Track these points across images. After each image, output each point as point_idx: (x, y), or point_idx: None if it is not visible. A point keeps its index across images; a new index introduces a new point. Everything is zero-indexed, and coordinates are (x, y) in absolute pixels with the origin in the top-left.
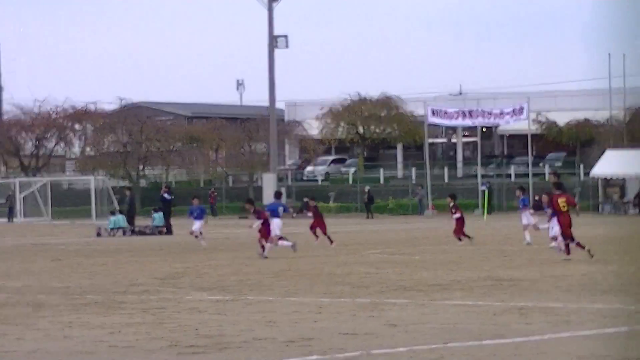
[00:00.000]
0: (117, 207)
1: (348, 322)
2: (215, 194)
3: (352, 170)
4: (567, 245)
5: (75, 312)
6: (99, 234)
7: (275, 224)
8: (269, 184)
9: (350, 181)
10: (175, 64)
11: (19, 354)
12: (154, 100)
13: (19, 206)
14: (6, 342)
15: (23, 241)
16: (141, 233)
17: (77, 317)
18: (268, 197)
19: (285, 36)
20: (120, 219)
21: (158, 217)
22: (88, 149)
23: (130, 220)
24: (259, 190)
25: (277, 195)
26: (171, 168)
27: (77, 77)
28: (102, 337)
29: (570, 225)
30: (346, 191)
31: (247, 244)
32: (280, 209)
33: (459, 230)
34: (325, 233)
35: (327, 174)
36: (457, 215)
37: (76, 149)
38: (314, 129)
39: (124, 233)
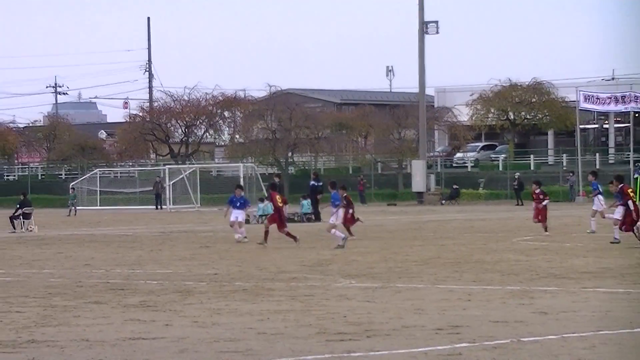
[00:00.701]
0: (266, 194)
1: (497, 309)
2: (364, 181)
3: (502, 156)
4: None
5: (223, 299)
6: (247, 221)
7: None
8: (418, 170)
9: (500, 168)
10: (325, 51)
11: (167, 341)
12: (303, 87)
13: (168, 193)
14: (154, 328)
15: (171, 228)
16: (289, 220)
17: (226, 304)
18: (417, 185)
19: (436, 22)
20: (269, 206)
21: (306, 204)
22: (237, 136)
23: None
24: (407, 177)
25: (333, 185)
26: (320, 155)
27: (226, 65)
28: (251, 324)
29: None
30: (496, 178)
31: (396, 232)
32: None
33: (544, 217)
34: (348, 223)
35: (476, 160)
36: (547, 201)
37: (225, 136)
38: (463, 115)
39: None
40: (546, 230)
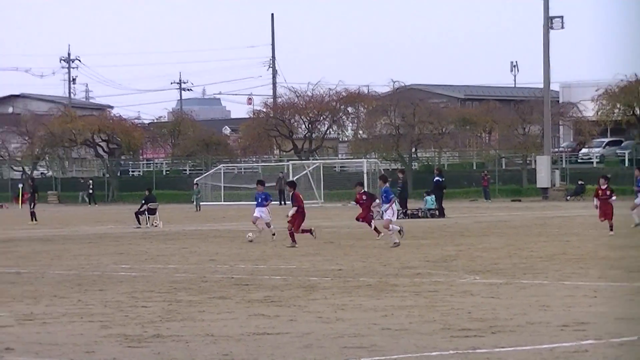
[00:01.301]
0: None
1: (624, 306)
2: (488, 176)
3: (627, 152)
4: None
5: (347, 294)
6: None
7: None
8: (542, 166)
9: (626, 164)
10: (449, 46)
11: (291, 336)
12: (426, 83)
13: None
14: (279, 323)
15: None
16: (413, 216)
17: (350, 300)
18: (541, 180)
19: (561, 17)
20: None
21: (430, 199)
22: (360, 131)
23: (403, 203)
24: (532, 173)
25: (384, 178)
26: (443, 151)
27: (349, 60)
28: (375, 319)
29: None
30: (621, 174)
31: (520, 228)
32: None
33: (610, 215)
34: (365, 220)
35: (602, 156)
36: (614, 198)
37: (349, 132)
38: (589, 110)
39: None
40: (612, 229)
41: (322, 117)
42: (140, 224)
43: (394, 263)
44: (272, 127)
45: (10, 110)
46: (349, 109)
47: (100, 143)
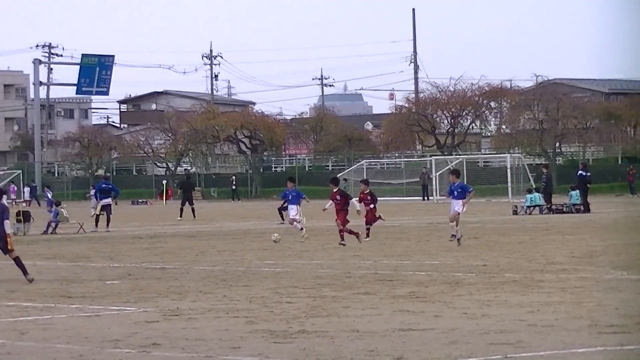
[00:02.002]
0: (534, 185)
1: None
2: (634, 171)
3: None
4: None
5: (493, 290)
6: (515, 212)
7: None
8: None
9: None
10: (591, 40)
11: (437, 332)
12: (570, 77)
13: (434, 184)
14: (424, 319)
15: (439, 219)
16: (558, 211)
17: (495, 296)
18: None
19: None
20: (537, 197)
21: (575, 194)
22: (503, 126)
23: (547, 198)
24: None
25: (457, 173)
26: (588, 145)
27: (492, 55)
28: (521, 315)
29: None
30: None
31: None
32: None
33: None
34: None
35: None
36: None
37: (492, 127)
38: None
39: (541, 211)
40: None
41: (464, 112)
42: (283, 219)
43: (539, 259)
44: (415, 122)
45: (154, 107)
46: (492, 104)
47: (242, 139)
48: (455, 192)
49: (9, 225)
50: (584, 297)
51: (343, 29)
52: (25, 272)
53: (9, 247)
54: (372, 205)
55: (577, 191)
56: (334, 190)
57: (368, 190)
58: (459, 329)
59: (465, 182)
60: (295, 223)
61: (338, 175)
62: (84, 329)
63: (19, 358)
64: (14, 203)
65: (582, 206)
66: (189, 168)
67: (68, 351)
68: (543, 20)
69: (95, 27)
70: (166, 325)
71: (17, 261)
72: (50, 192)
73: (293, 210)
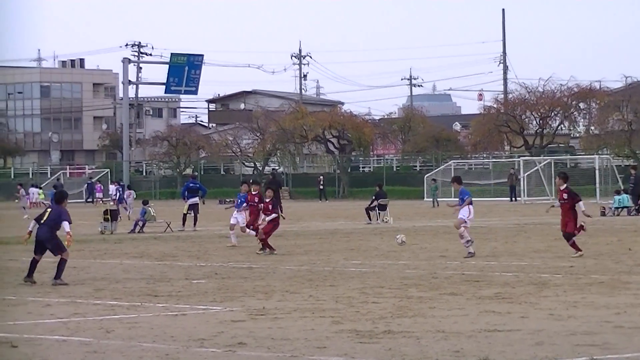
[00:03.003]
0: (622, 186)
1: None
2: None
3: None
4: None
5: (579, 292)
6: (603, 213)
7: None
8: None
9: None
10: None
11: (523, 333)
12: None
13: (522, 185)
14: (510, 320)
15: (526, 220)
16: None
17: (582, 297)
18: None
19: None
20: (625, 198)
21: None
22: (592, 127)
23: (636, 200)
24: None
25: (459, 180)
26: None
27: (582, 55)
28: (608, 317)
29: None
30: None
31: None
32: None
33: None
34: (252, 226)
35: None
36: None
37: (580, 128)
38: None
39: (629, 212)
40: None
41: (553, 113)
42: (370, 219)
43: (626, 260)
44: (503, 123)
45: (242, 106)
46: (581, 105)
47: (331, 139)
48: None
49: (68, 226)
50: None
51: (432, 29)
52: (58, 276)
53: (67, 244)
54: (270, 216)
55: None
56: (254, 191)
57: (258, 191)
58: (545, 330)
59: (553, 184)
60: (230, 231)
61: (426, 176)
62: (169, 327)
63: (104, 356)
64: (101, 202)
65: None
66: (277, 167)
67: (154, 350)
68: (633, 21)
69: (185, 26)
70: (252, 324)
71: (62, 262)
72: (114, 188)
73: (241, 217)
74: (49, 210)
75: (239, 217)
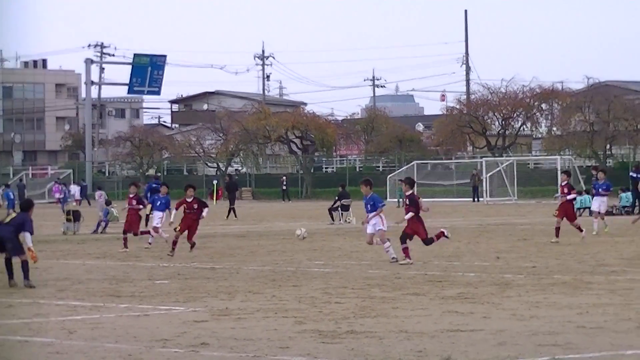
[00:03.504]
0: (584, 187)
1: None
2: None
3: None
4: None
5: (542, 292)
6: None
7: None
8: None
9: None
10: None
11: (485, 333)
12: (622, 79)
13: (484, 185)
14: (473, 320)
15: (488, 221)
16: (608, 213)
17: (544, 297)
18: None
19: None
20: (587, 199)
21: (625, 197)
22: (554, 128)
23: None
24: None
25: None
26: (638, 147)
27: (544, 56)
28: (570, 317)
29: None
30: None
31: None
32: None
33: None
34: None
35: None
36: (572, 196)
37: (542, 129)
38: None
39: (590, 213)
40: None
41: (515, 114)
42: (333, 220)
43: (589, 260)
44: (466, 123)
45: (205, 107)
46: (543, 106)
47: (294, 140)
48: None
49: (29, 238)
50: (633, 299)
51: (395, 30)
52: (27, 277)
53: (32, 262)
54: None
55: (628, 193)
56: (132, 194)
57: (135, 194)
58: (507, 330)
59: (515, 184)
60: (160, 231)
61: (389, 177)
62: (132, 328)
63: (67, 357)
64: (58, 202)
65: (632, 208)
66: (240, 168)
67: (117, 350)
68: (595, 22)
69: (148, 26)
70: (215, 325)
71: (24, 263)
72: (78, 188)
73: (158, 218)
74: (13, 214)
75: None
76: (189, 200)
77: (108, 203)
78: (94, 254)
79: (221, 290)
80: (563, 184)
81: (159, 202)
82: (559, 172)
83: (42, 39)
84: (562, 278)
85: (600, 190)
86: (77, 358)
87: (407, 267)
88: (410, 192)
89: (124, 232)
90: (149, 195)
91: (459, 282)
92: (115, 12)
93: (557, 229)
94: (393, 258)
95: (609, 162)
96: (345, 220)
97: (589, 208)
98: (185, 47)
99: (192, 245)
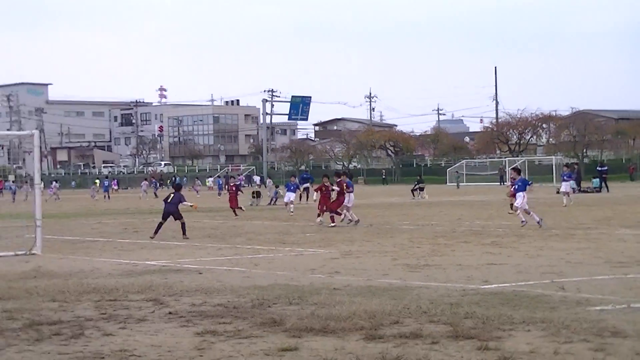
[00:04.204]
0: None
1: None
2: (633, 166)
3: None
4: None
5: (543, 240)
6: (557, 192)
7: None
8: None
9: None
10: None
11: (509, 266)
12: (594, 108)
13: (507, 175)
14: (501, 258)
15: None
16: (584, 192)
17: (545, 244)
18: None
19: None
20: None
21: (595, 181)
22: (551, 139)
23: (578, 184)
24: None
25: (519, 171)
26: (604, 151)
27: (544, 92)
28: (562, 256)
29: None
30: None
31: None
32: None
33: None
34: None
35: None
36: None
37: (543, 140)
38: None
39: (574, 192)
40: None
41: (526, 131)
42: (414, 196)
43: (572, 220)
44: (495, 137)
45: (335, 127)
46: (544, 125)
47: (389, 147)
48: (516, 186)
49: (186, 204)
50: (601, 245)
51: (453, 75)
52: (184, 233)
53: (194, 207)
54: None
55: (596, 179)
56: (339, 180)
57: (340, 180)
58: (522, 264)
59: (525, 176)
60: (289, 205)
61: (448, 169)
62: (293, 262)
63: (253, 280)
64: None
65: (600, 189)
66: (357, 164)
67: (284, 276)
68: (578, 64)
69: (300, 77)
70: (343, 261)
71: (183, 225)
72: (259, 178)
73: (291, 196)
74: (172, 195)
75: (291, 196)
76: (327, 184)
77: (276, 186)
78: (268, 218)
79: (346, 240)
80: (511, 177)
81: (292, 187)
82: (554, 168)
83: (236, 87)
84: (556, 231)
85: (564, 177)
86: (260, 280)
87: (460, 226)
88: (519, 177)
89: (327, 211)
90: (301, 181)
91: (492, 234)
92: (280, 69)
93: (511, 205)
94: (523, 222)
95: (585, 160)
96: (421, 197)
97: (574, 189)
98: (323, 90)
99: (330, 211)
